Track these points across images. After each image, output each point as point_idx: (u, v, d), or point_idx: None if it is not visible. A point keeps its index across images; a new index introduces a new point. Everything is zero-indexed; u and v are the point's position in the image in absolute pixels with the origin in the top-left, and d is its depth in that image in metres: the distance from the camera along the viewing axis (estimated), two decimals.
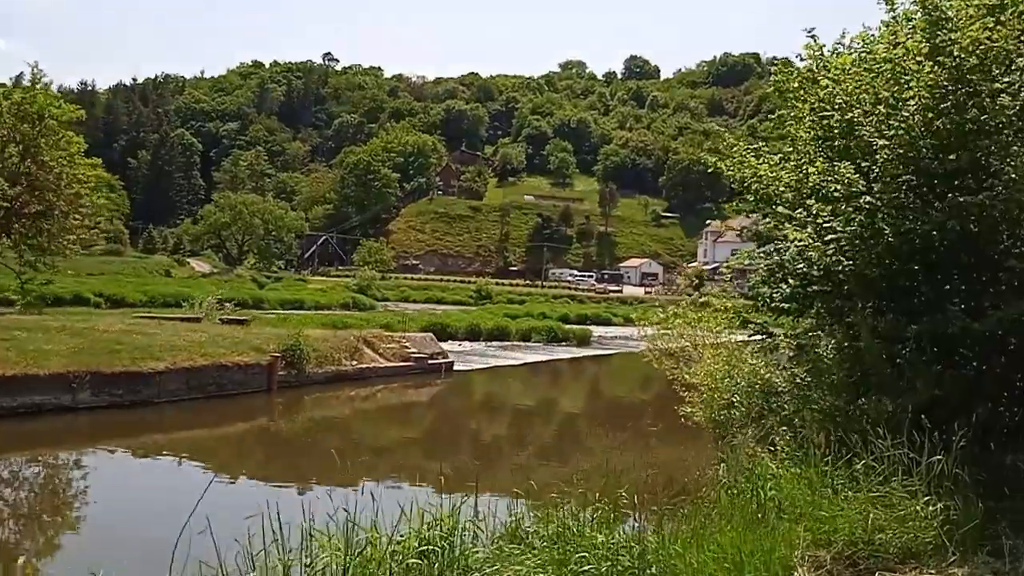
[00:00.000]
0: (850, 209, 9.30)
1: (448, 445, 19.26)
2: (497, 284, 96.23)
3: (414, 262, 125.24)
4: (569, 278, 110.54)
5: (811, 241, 9.68)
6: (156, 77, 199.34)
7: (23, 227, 27.41)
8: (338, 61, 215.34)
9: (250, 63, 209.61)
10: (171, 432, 18.46)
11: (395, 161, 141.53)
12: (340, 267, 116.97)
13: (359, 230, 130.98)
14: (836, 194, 9.46)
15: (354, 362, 25.19)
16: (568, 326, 46.96)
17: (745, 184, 11.57)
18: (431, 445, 19.21)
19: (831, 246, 9.43)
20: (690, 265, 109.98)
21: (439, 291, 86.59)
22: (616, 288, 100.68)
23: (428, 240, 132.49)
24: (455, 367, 29.57)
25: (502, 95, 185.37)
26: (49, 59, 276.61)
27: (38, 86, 27.37)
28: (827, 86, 10.15)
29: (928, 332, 9.09)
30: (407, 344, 27.84)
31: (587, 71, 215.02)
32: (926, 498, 6.86)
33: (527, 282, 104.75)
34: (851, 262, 9.48)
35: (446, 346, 35.00)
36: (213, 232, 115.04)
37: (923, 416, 7.73)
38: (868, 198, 9.15)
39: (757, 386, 10.99)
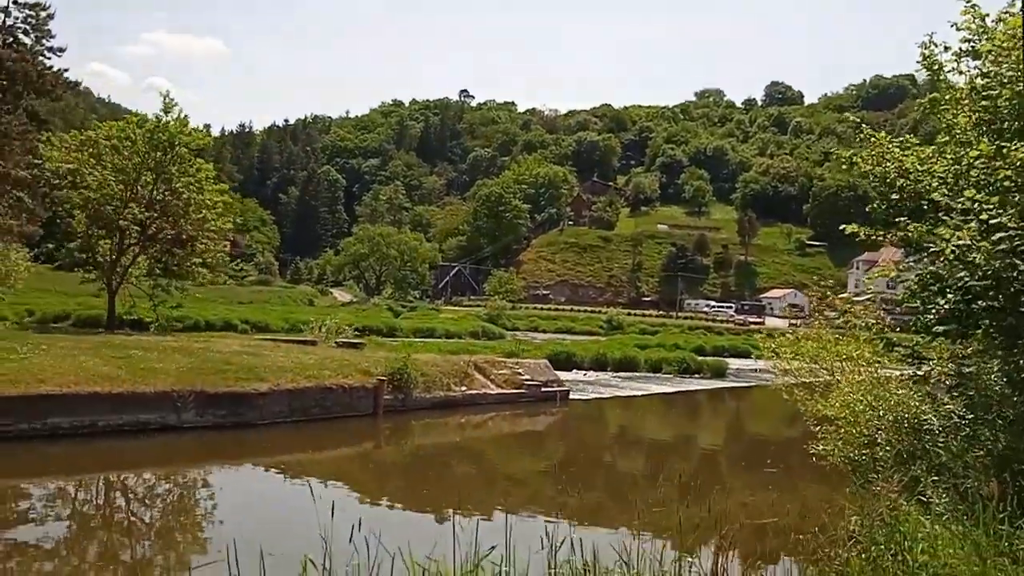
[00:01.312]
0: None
1: (560, 476, 17.91)
2: (629, 315, 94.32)
3: (545, 292, 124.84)
4: (706, 309, 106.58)
5: (974, 241, 7.82)
6: (306, 118, 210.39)
7: (157, 252, 28.34)
8: (473, 97, 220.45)
9: (391, 102, 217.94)
10: (274, 455, 18.05)
11: (526, 192, 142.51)
12: (472, 297, 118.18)
13: (490, 261, 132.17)
14: (1007, 182, 7.66)
15: (463, 388, 24.37)
16: (702, 358, 44.59)
17: (888, 181, 9.80)
18: (541, 476, 17.93)
19: (1001, 246, 7.58)
20: (840, 296, 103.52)
21: (569, 321, 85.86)
22: (758, 319, 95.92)
23: (559, 270, 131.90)
24: (572, 396, 28.24)
25: (635, 125, 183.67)
26: (214, 105, 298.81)
27: (170, 115, 28.38)
28: (991, 56, 8.40)
29: None
30: (520, 371, 26.78)
31: (724, 99, 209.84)
32: None
33: (661, 313, 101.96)
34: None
35: (570, 375, 33.85)
36: (352, 263, 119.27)
37: None
38: None
39: (905, 422, 9.10)
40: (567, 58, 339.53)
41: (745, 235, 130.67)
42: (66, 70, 27.17)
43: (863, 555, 6.17)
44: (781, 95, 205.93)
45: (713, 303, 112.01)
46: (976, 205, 7.71)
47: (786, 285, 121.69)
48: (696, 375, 40.33)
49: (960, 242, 7.86)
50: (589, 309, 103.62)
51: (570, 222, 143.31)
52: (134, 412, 16.86)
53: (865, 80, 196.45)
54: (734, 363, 44.63)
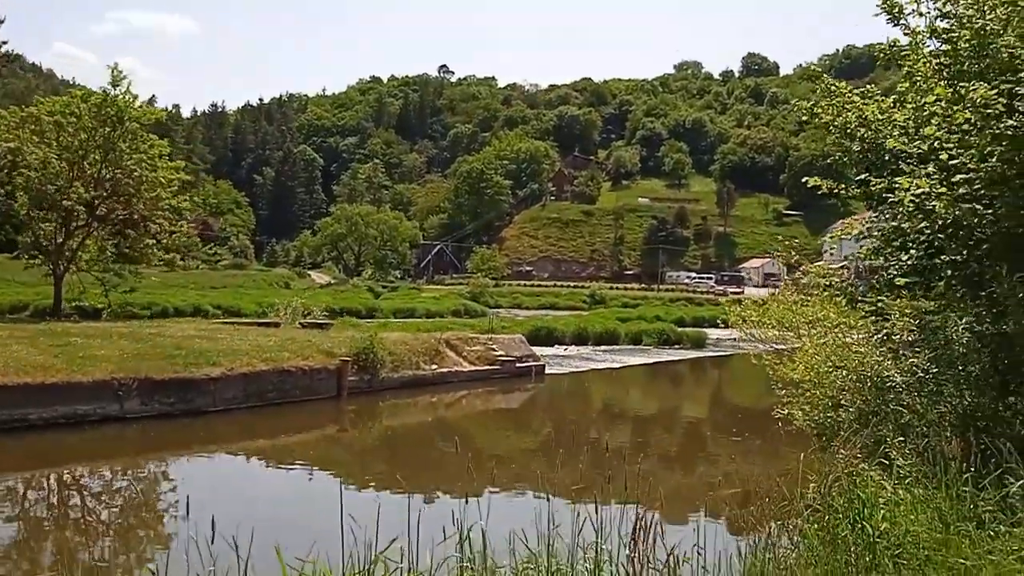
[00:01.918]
0: (986, 139, 6.68)
1: (534, 453, 16.89)
2: (612, 288, 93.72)
3: (528, 268, 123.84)
4: (687, 280, 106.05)
5: (933, 189, 7.04)
6: (281, 96, 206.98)
7: (107, 234, 26.92)
8: (453, 73, 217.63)
9: (368, 79, 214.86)
10: (229, 443, 16.87)
11: (507, 168, 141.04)
12: (454, 275, 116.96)
13: (473, 238, 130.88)
14: (966, 125, 6.91)
15: (434, 366, 23.31)
16: (682, 329, 44.30)
17: (848, 132, 9.05)
18: (520, 454, 16.89)
19: (961, 190, 6.84)
20: (815, 264, 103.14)
21: (552, 296, 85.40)
22: (737, 290, 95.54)
23: (541, 246, 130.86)
24: (549, 371, 27.29)
25: (615, 99, 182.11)
26: (185, 85, 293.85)
27: (119, 89, 26.85)
28: None
29: None
30: (494, 347, 25.74)
31: (703, 71, 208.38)
32: None
33: (642, 286, 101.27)
34: (991, 212, 6.85)
35: (551, 350, 33.31)
36: (330, 244, 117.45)
37: None
38: (1011, 121, 6.53)
39: (868, 380, 8.24)
40: (547, 32, 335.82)
41: (724, 206, 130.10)
42: (4, 42, 25.50)
43: (818, 524, 5.35)
44: (757, 66, 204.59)
45: (694, 275, 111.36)
46: (936, 144, 6.91)
47: (764, 255, 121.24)
48: (676, 346, 40.03)
49: (919, 191, 7.04)
50: (572, 284, 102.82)
51: (552, 197, 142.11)
52: (70, 403, 15.65)
53: (838, 50, 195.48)
54: (714, 333, 44.22)
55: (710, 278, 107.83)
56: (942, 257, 7.83)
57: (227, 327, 24.46)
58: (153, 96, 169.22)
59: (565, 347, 36.63)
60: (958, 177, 7.00)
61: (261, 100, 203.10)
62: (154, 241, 27.30)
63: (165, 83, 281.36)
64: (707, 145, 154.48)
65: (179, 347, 18.96)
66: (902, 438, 7.35)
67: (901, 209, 7.82)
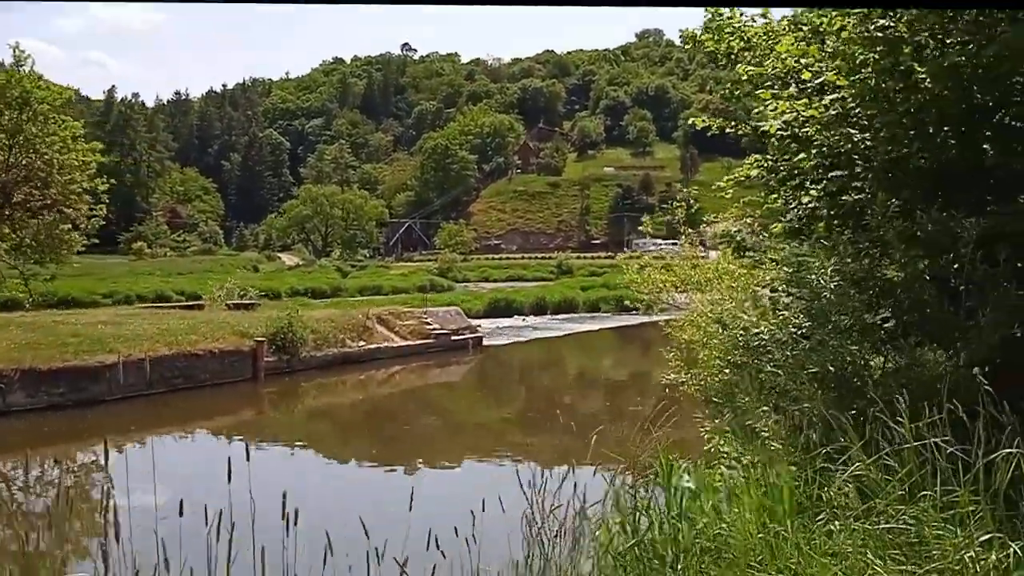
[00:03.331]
0: (858, 46, 5.84)
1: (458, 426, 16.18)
2: (579, 258, 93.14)
3: (496, 242, 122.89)
4: (651, 248, 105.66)
5: (800, 112, 6.22)
6: (244, 81, 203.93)
7: (20, 220, 25.72)
8: (416, 51, 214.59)
9: (331, 60, 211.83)
10: (125, 433, 15.94)
11: (472, 143, 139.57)
12: (423, 252, 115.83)
13: (440, 214, 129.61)
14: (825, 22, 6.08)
15: (361, 343, 22.52)
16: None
17: (734, 59, 8.22)
18: (442, 431, 16.15)
19: (833, 111, 6.04)
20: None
21: (520, 269, 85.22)
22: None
23: (509, 219, 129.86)
24: (490, 342, 26.61)
25: (579, 70, 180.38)
26: (151, 75, 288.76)
27: (23, 68, 25.53)
28: None
29: (1009, 234, 5.48)
30: (428, 320, 24.91)
31: (664, 38, 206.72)
32: (986, 537, 3.31)
33: (609, 254, 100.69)
34: (868, 136, 6.03)
35: (508, 321, 32.99)
36: (296, 225, 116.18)
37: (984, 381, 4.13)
38: (885, 21, 5.67)
39: (740, 337, 7.45)
40: (509, 7, 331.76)
41: (687, 172, 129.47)
42: None
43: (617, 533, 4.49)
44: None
45: (659, 241, 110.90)
46: (798, 63, 6.07)
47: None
48: (634, 312, 39.57)
49: (785, 116, 6.18)
50: (540, 256, 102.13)
51: (518, 170, 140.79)
52: None
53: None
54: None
55: (676, 244, 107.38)
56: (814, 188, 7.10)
57: (146, 312, 23.53)
58: (113, 87, 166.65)
59: (523, 318, 36.48)
60: (828, 98, 6.30)
61: (224, 86, 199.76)
62: (70, 226, 26.06)
63: (133, 75, 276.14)
64: (670, 112, 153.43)
65: (76, 334, 18.05)
66: (766, 407, 6.61)
67: (773, 141, 7.10)
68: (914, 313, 6.11)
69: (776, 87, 7.01)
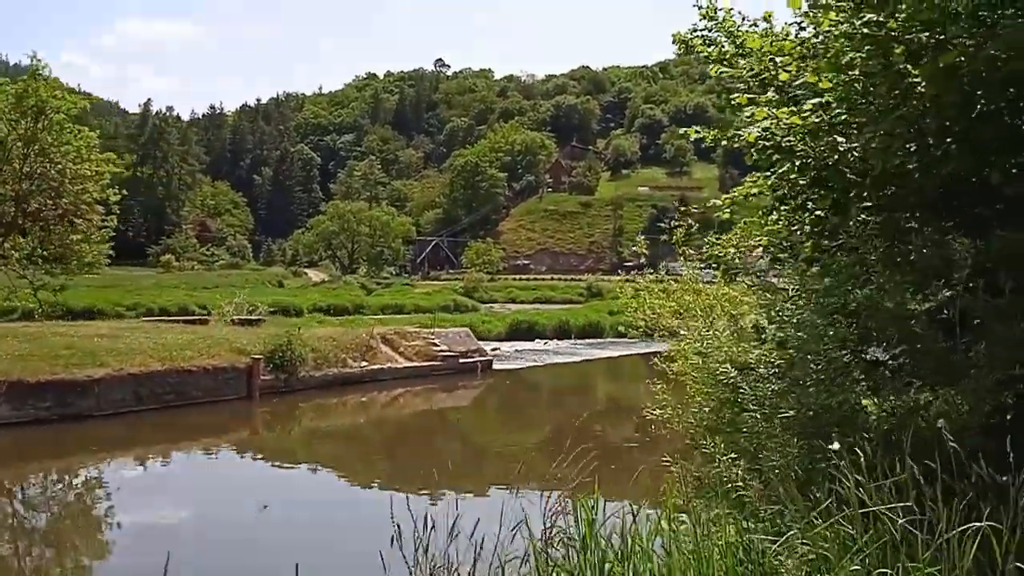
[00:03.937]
0: (840, 42, 5.19)
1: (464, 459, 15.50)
2: (610, 280, 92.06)
3: (525, 262, 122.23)
4: (680, 271, 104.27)
5: (781, 119, 5.59)
6: (278, 96, 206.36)
7: (38, 232, 25.69)
8: (449, 67, 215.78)
9: (364, 75, 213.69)
10: (110, 450, 15.52)
11: (503, 161, 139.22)
12: (450, 271, 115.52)
13: (469, 232, 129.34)
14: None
15: (364, 363, 21.97)
16: None
17: (727, 60, 7.59)
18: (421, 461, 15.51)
19: (814, 118, 5.35)
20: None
21: (548, 290, 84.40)
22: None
23: (539, 239, 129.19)
24: (501, 366, 25.91)
25: (614, 87, 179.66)
26: (188, 89, 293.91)
27: (39, 77, 25.46)
28: None
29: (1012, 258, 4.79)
30: (435, 341, 24.30)
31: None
32: None
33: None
34: (858, 147, 5.36)
35: (529, 345, 32.39)
36: (323, 241, 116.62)
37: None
38: (872, 15, 4.94)
39: (720, 375, 6.73)
40: (544, 20, 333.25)
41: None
42: None
43: None
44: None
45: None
46: (773, 63, 5.42)
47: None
48: (661, 339, 38.59)
49: (764, 123, 5.52)
50: (570, 277, 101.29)
51: (549, 189, 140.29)
52: None
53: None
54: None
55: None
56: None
57: (147, 325, 23.18)
58: (149, 100, 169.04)
59: (545, 341, 35.75)
60: (810, 103, 5.61)
61: (259, 101, 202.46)
62: (81, 237, 25.88)
63: (174, 90, 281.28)
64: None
65: (70, 347, 17.73)
66: (734, 454, 5.91)
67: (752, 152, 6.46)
68: (903, 347, 5.37)
69: (754, 90, 6.34)
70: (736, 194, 8.68)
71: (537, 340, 35.50)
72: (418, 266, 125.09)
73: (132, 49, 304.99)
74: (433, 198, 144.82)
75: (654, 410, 8.96)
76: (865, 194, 5.76)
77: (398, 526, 4.32)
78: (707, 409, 7.35)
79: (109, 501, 11.99)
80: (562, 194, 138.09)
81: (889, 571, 3.38)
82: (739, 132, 6.25)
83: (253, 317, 26.51)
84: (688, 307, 10.42)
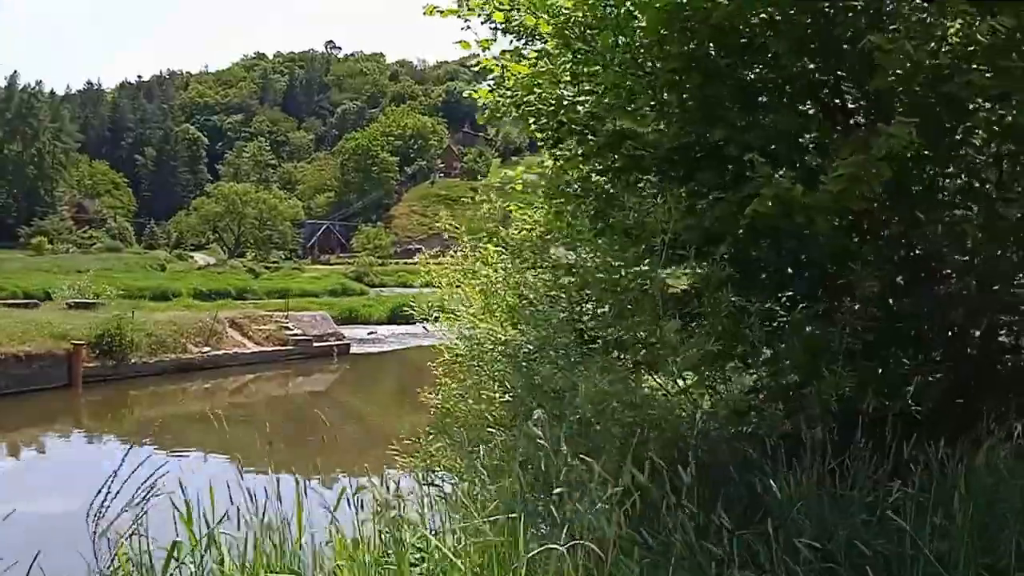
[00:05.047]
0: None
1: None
2: None
3: (417, 246, 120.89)
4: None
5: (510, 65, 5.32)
6: (161, 73, 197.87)
7: None
8: (340, 49, 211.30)
9: (253, 55, 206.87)
10: None
11: (395, 145, 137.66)
12: (340, 254, 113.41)
13: (361, 216, 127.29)
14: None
15: (207, 348, 20.92)
16: None
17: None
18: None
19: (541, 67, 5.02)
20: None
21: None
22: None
23: (430, 223, 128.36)
24: (360, 350, 25.30)
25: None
26: (59, 64, 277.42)
27: None
28: None
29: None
30: (289, 325, 23.45)
31: None
32: None
33: None
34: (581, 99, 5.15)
35: (410, 328, 31.63)
36: (207, 224, 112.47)
37: None
38: None
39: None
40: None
41: None
42: None
43: None
44: None
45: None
46: None
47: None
48: None
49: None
50: None
51: (441, 174, 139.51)
52: None
53: None
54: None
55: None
56: None
57: None
58: (15, 72, 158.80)
59: (425, 324, 35.19)
60: (532, 50, 5.62)
61: (140, 77, 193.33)
62: None
63: (44, 63, 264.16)
64: None
65: None
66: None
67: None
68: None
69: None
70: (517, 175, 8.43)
71: (418, 323, 35.08)
72: (308, 250, 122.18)
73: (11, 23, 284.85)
74: (325, 181, 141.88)
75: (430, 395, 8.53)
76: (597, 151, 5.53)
77: None
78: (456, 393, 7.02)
79: None
80: (453, 180, 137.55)
81: None
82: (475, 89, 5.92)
83: (90, 301, 24.89)
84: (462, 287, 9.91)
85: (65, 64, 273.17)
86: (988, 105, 5.06)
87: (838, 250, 5.90)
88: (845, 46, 5.02)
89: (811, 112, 5.79)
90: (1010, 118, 5.09)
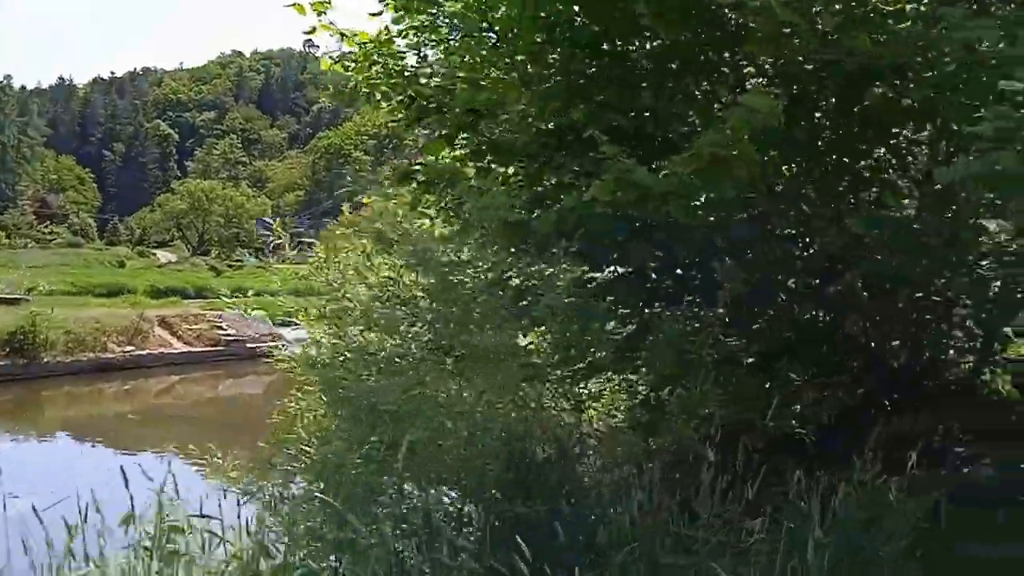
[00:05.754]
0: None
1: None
2: None
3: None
4: None
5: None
6: (135, 69, 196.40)
7: None
8: (318, 47, 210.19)
9: (229, 53, 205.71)
10: None
11: (368, 144, 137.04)
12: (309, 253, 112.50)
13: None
14: None
15: (130, 348, 20.13)
16: None
17: None
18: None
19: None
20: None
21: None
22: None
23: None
24: (297, 351, 24.54)
25: None
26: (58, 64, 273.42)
27: None
28: None
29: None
30: (223, 324, 22.71)
31: None
32: None
33: None
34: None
35: None
36: (171, 220, 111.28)
37: None
38: None
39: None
40: None
41: None
42: None
43: None
44: None
45: None
46: None
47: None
48: None
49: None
50: None
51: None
52: None
53: None
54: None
55: None
56: None
57: None
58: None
59: None
60: None
61: (113, 73, 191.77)
62: None
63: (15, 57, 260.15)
64: None
65: None
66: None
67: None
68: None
69: None
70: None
71: None
72: (275, 249, 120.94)
73: None
74: (296, 179, 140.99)
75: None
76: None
77: None
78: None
79: None
80: None
81: None
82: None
83: (12, 296, 23.94)
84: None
85: (65, 64, 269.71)
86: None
87: (704, 245, 5.45)
88: (728, 13, 4.57)
89: (692, 90, 5.36)
90: (908, 100, 4.62)
